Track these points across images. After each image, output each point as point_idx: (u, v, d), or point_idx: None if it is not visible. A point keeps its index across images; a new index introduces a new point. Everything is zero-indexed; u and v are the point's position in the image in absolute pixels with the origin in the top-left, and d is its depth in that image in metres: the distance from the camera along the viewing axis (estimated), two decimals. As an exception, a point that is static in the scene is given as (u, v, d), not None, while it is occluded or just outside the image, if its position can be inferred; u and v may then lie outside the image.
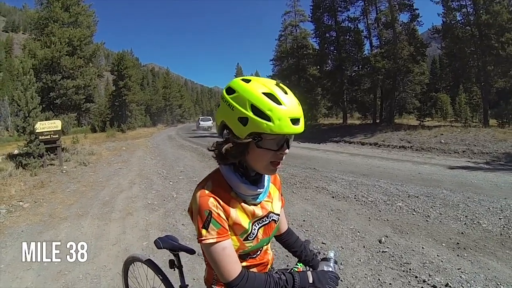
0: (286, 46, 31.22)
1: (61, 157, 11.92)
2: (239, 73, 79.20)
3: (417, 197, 5.95)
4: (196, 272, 3.38)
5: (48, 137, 11.48)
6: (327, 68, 27.44)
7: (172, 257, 1.80)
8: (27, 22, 24.88)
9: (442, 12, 19.65)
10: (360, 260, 3.60)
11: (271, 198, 1.25)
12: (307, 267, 1.42)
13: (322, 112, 32.20)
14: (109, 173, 10.10)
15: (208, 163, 10.98)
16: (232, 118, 1.01)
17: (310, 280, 1.09)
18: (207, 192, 1.07)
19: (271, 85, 1.03)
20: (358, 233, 4.40)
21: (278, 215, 1.27)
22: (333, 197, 6.28)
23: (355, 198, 6.10)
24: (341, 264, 3.48)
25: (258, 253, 1.24)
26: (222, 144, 1.09)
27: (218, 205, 1.06)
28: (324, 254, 1.42)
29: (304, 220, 5.01)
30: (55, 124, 11.77)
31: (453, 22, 19.37)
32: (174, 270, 1.79)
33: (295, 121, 1.00)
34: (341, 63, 24.75)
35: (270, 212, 1.22)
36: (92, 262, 3.85)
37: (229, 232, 1.08)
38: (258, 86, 1.01)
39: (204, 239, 1.03)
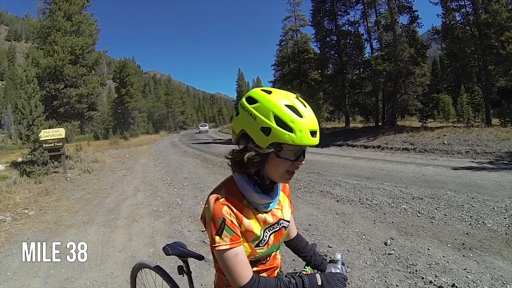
0: (287, 51, 31.31)
1: (65, 165, 12.01)
2: (241, 79, 79.95)
3: (422, 199, 5.94)
4: (203, 278, 3.40)
5: (52, 145, 11.59)
6: (329, 72, 27.49)
7: (181, 263, 1.80)
8: (29, 31, 25.05)
9: (442, 13, 19.64)
10: (366, 263, 3.61)
11: (281, 206, 1.28)
12: (315, 270, 1.44)
13: (324, 116, 32.24)
14: (113, 180, 10.15)
15: (212, 169, 11.01)
16: (255, 128, 1.03)
17: (319, 282, 1.10)
18: (221, 200, 1.09)
19: (292, 98, 1.06)
20: (364, 236, 4.41)
21: (288, 221, 1.30)
22: (337, 200, 6.29)
23: (359, 201, 6.10)
24: (347, 267, 3.47)
25: (268, 258, 1.26)
26: (241, 152, 1.10)
27: (231, 212, 1.08)
28: (331, 257, 1.44)
29: (309, 224, 5.02)
30: (59, 132, 11.90)
31: (452, 22, 19.32)
32: (183, 276, 1.80)
33: (313, 133, 1.04)
34: (342, 67, 24.79)
35: (281, 219, 1.25)
36: (99, 269, 3.87)
37: (241, 239, 1.10)
38: (280, 98, 1.04)
39: (218, 246, 1.05)
